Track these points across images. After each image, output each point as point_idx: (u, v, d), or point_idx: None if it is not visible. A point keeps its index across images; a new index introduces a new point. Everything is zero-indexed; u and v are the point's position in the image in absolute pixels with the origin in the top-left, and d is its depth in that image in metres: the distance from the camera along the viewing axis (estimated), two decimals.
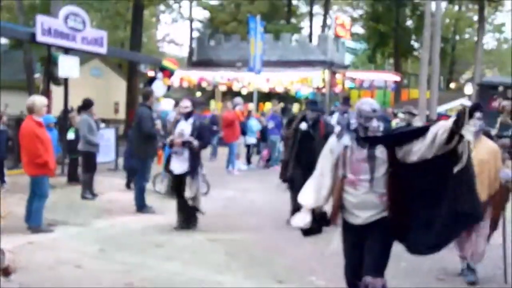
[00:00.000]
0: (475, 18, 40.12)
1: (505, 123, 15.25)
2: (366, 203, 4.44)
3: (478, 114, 5.27)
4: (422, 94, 26.12)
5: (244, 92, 27.43)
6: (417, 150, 4.21)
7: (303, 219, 4.66)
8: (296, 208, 7.42)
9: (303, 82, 27.20)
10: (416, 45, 42.04)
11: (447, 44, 44.10)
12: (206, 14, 44.79)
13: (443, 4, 34.82)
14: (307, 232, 4.79)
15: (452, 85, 49.78)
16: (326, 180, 4.64)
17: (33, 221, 8.09)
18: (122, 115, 28.29)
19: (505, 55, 49.81)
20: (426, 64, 26.89)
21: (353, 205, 4.49)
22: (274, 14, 39.40)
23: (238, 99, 17.49)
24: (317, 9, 45.99)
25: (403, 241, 4.57)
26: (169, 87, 19.27)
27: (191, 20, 43.09)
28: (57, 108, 16.60)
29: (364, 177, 4.43)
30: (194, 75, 29.16)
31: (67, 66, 15.20)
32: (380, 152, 4.40)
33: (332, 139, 4.70)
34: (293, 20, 43.28)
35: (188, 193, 8.37)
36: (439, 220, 4.30)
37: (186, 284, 5.99)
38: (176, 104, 15.84)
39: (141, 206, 9.77)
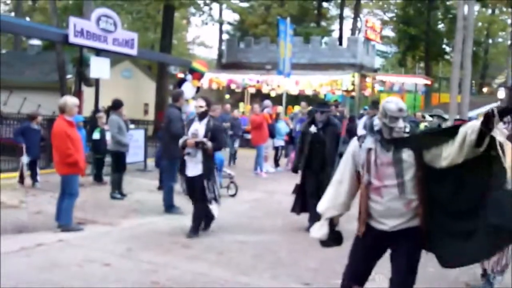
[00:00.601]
0: (509, 21, 39.54)
1: None
2: (392, 211, 4.13)
3: (508, 118, 5.11)
4: (453, 98, 25.79)
5: (273, 94, 27.46)
6: (447, 156, 3.88)
7: (320, 229, 4.47)
8: (313, 215, 7.45)
9: (333, 85, 27.13)
10: (447, 48, 41.69)
11: (480, 47, 43.61)
12: (236, 16, 45.00)
13: (476, 7, 34.37)
14: (325, 243, 4.58)
15: (485, 90, 49.12)
16: (343, 187, 4.37)
17: (63, 219, 8.20)
18: (151, 116, 28.54)
19: None
20: (457, 68, 26.56)
21: (379, 214, 4.19)
22: (304, 16, 39.42)
23: (267, 102, 17.51)
24: (347, 12, 45.87)
25: (435, 252, 4.24)
26: (198, 89, 19.36)
27: (221, 23, 43.26)
28: (88, 108, 16.84)
29: (390, 182, 4.10)
30: (223, 77, 29.33)
31: (98, 68, 15.43)
32: (407, 155, 4.07)
33: (354, 143, 4.40)
34: (323, 23, 43.19)
35: (209, 195, 8.16)
36: (477, 232, 3.87)
37: (211, 284, 6.01)
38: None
39: (169, 207, 9.84)
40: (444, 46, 41.91)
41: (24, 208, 9.56)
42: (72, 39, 14.69)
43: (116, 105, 11.68)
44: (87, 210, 9.56)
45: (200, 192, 8.14)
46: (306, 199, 8.76)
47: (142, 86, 29.57)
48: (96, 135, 12.80)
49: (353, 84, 27.55)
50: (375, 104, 13.51)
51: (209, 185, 8.15)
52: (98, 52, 16.15)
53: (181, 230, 8.44)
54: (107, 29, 15.55)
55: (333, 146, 8.93)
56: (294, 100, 27.55)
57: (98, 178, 12.91)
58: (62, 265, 6.43)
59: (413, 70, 46.93)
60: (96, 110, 15.71)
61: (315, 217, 7.15)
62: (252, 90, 29.64)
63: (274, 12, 37.43)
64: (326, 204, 4.45)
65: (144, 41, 35.55)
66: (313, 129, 8.77)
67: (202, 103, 8.26)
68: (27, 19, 32.96)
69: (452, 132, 3.92)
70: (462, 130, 3.81)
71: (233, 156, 17.43)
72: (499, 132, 3.70)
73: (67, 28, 15.04)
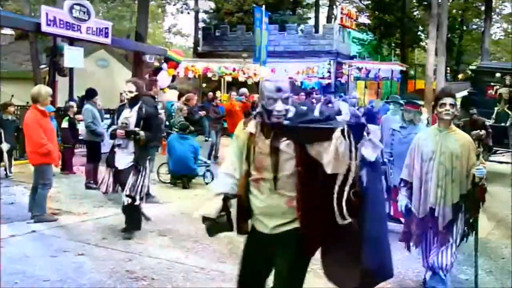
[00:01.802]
0: (482, 8, 39.84)
1: (503, 112, 14.71)
2: (272, 209, 3.50)
3: (450, 100, 5.08)
4: (428, 84, 26.07)
5: (249, 82, 27.43)
6: (328, 163, 3.23)
7: (210, 206, 3.67)
8: None
9: (309, 72, 27.19)
10: (422, 35, 41.88)
11: (454, 34, 43.91)
12: (211, 4, 44.71)
13: None
14: (213, 227, 3.72)
15: (460, 76, 49.56)
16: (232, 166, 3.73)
17: (36, 210, 8.13)
18: None
19: None
20: (432, 55, 26.83)
21: (259, 211, 3.58)
22: (279, 4, 39.26)
23: (243, 90, 17.49)
24: None
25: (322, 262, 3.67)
26: (174, 78, 19.31)
27: (197, 11, 42.98)
28: (63, 99, 16.65)
29: (267, 175, 3.48)
30: (199, 66, 29.16)
31: (72, 57, 15.27)
32: (286, 144, 3.41)
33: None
34: (299, 11, 43.14)
35: (127, 191, 7.23)
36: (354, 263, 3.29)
37: (187, 272, 6.02)
38: (181, 95, 15.89)
39: (145, 195, 9.78)
40: (419, 33, 42.13)
41: None
42: (45, 28, 14.50)
43: (90, 95, 11.58)
44: (61, 200, 9.50)
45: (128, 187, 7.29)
46: None
47: (118, 75, 29.22)
48: (64, 124, 12.65)
49: (329, 71, 27.64)
50: (325, 88, 13.18)
51: (137, 180, 7.29)
52: (72, 41, 15.97)
53: (157, 219, 8.42)
54: (80, 17, 15.38)
55: None
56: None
57: (66, 168, 12.74)
58: (36, 256, 6.39)
59: (389, 57, 47.14)
60: (70, 100, 15.54)
61: None
62: (228, 79, 29.54)
63: (249, 0, 37.31)
64: (217, 182, 3.98)
65: (120, 30, 35.19)
66: None
67: (131, 87, 7.36)
68: None
69: (331, 132, 3.22)
70: (334, 136, 3.17)
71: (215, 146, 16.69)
72: (365, 145, 3.16)
73: (40, 17, 14.84)
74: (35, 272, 5.83)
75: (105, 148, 12.18)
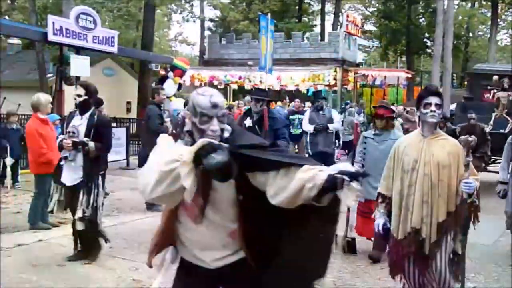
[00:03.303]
0: (488, 14, 39.81)
1: (501, 118, 13.48)
2: (210, 242, 3.00)
3: (435, 100, 4.26)
4: None
5: None
6: (275, 195, 2.81)
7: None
8: None
9: (315, 80, 27.18)
10: (428, 42, 41.85)
11: (460, 41, 43.89)
12: (217, 13, 44.88)
13: (456, 1, 34.64)
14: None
15: (466, 83, 49.48)
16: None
17: (30, 218, 8.18)
18: (134, 114, 28.41)
19: None
20: (438, 62, 26.78)
21: (194, 245, 3.05)
22: (285, 12, 39.41)
23: (248, 98, 17.48)
24: (329, 7, 45.92)
25: None
26: (180, 86, 19.31)
27: (203, 19, 43.11)
28: (70, 107, 16.69)
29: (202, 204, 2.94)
30: (205, 74, 29.25)
31: (78, 66, 15.34)
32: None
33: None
34: (305, 18, 43.22)
35: (80, 212, 6.36)
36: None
37: None
38: (186, 103, 15.90)
39: (151, 205, 9.79)
40: (425, 40, 42.10)
41: (4, 209, 9.47)
42: (51, 37, 14.60)
43: (96, 104, 11.55)
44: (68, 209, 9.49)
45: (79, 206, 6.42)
46: None
47: (124, 84, 29.42)
48: None
49: (335, 78, 27.62)
50: (317, 94, 12.34)
51: (89, 200, 6.41)
52: (78, 50, 16.05)
53: None
54: (86, 27, 15.48)
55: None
56: (277, 95, 27.57)
57: None
58: (43, 264, 6.39)
59: (395, 64, 47.18)
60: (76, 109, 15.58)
61: None
62: (234, 87, 29.62)
63: (255, 8, 37.41)
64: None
65: (126, 38, 35.33)
66: (247, 122, 7.41)
67: (81, 90, 6.45)
68: (6, 18, 32.64)
69: (283, 163, 2.83)
70: (300, 177, 2.73)
71: None
72: (348, 195, 2.70)
73: (46, 26, 14.94)
74: (42, 282, 5.83)
75: (111, 156, 12.25)
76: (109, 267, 6.43)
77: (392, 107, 9.38)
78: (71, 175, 6.43)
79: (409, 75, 33.58)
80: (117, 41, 16.94)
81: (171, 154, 2.70)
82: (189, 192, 2.66)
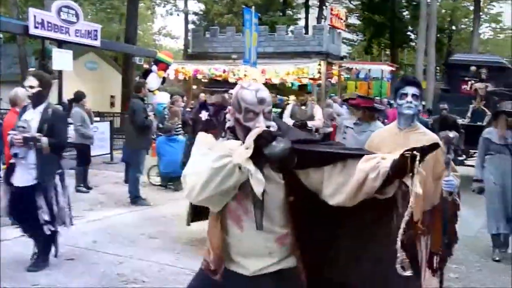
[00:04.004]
0: (471, 8, 40.04)
1: (479, 110, 12.97)
2: (255, 248, 2.74)
3: (412, 90, 3.98)
4: None
5: None
6: (334, 193, 2.60)
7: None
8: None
9: (299, 73, 27.18)
10: (412, 35, 42.04)
11: (443, 34, 44.08)
12: (201, 6, 44.69)
13: None
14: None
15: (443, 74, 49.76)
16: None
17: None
18: (118, 108, 28.26)
19: (502, 45, 49.83)
20: (421, 55, 26.95)
21: (236, 251, 2.79)
22: (269, 5, 39.31)
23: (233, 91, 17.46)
24: (313, 0, 45.87)
25: None
26: (164, 80, 19.23)
27: (186, 13, 42.93)
28: (53, 101, 16.57)
29: (249, 208, 2.66)
30: (189, 68, 29.12)
31: (60, 59, 15.20)
32: (271, 169, 2.57)
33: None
34: (289, 12, 43.17)
35: (43, 216, 5.78)
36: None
37: (178, 274, 5.99)
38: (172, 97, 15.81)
39: (135, 198, 9.77)
40: (408, 33, 42.29)
41: None
42: (33, 30, 14.45)
43: (78, 97, 11.52)
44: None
45: (32, 211, 5.78)
46: None
47: (108, 78, 29.27)
48: None
49: (319, 72, 27.63)
50: (302, 88, 12.11)
51: (46, 201, 5.81)
52: (60, 43, 15.91)
53: (148, 222, 8.41)
54: (68, 20, 15.35)
55: None
56: None
57: None
58: (26, 260, 6.32)
59: (379, 57, 47.29)
60: (60, 103, 15.47)
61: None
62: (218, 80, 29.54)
63: (239, 1, 37.25)
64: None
65: (109, 32, 35.09)
66: (203, 115, 6.92)
67: (33, 81, 5.86)
68: None
69: (340, 155, 2.63)
70: (362, 168, 2.51)
71: None
72: (416, 182, 2.37)
73: (28, 19, 14.78)
74: (25, 277, 5.78)
75: (94, 151, 12.18)
76: (92, 262, 6.39)
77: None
78: (23, 175, 5.82)
79: (393, 68, 33.67)
80: (100, 34, 16.81)
81: (219, 150, 2.53)
82: (260, 182, 2.41)
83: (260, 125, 2.57)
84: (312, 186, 2.68)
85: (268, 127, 2.59)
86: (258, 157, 2.40)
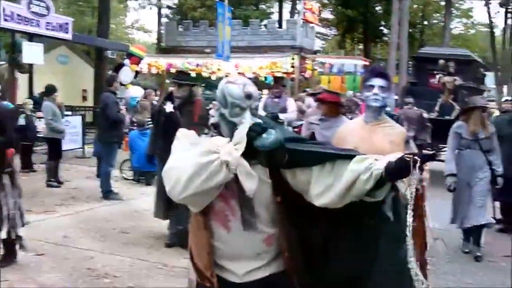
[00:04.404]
0: (443, 3, 40.48)
1: (447, 104, 12.68)
2: (242, 250, 2.58)
3: (379, 82, 3.71)
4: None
5: (213, 78, 27.35)
6: (321, 194, 2.47)
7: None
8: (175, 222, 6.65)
9: (272, 67, 27.20)
10: (385, 30, 42.36)
11: (415, 29, 44.50)
12: (174, 0, 44.47)
13: None
14: None
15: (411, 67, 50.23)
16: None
17: None
18: (90, 102, 27.97)
19: (472, 40, 50.55)
20: (394, 49, 27.16)
21: (222, 254, 2.62)
22: None
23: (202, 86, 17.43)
24: None
25: None
26: (137, 74, 19.12)
27: (160, 6, 42.66)
28: (24, 95, 16.37)
29: (236, 207, 2.54)
30: (162, 62, 28.97)
31: (31, 53, 15.02)
32: (259, 168, 2.47)
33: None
34: (262, 6, 43.18)
35: None
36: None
37: (149, 269, 5.97)
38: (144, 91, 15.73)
39: (107, 193, 9.70)
40: (381, 28, 42.61)
41: None
42: (2, 23, 14.26)
43: (49, 91, 11.38)
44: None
45: None
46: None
47: (80, 72, 28.86)
48: (21, 121, 12.46)
49: (293, 66, 27.70)
50: (276, 81, 11.91)
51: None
52: (31, 37, 15.70)
53: (119, 216, 8.36)
54: (39, 13, 15.17)
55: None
56: None
57: (26, 166, 12.49)
58: None
59: (352, 51, 47.56)
60: (30, 96, 15.29)
61: (177, 223, 6.59)
62: (192, 74, 29.40)
63: None
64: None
65: (81, 25, 34.70)
66: (168, 107, 6.72)
67: None
68: None
69: (329, 155, 2.52)
70: (353, 169, 2.39)
71: None
72: (409, 188, 2.30)
73: None
74: None
75: (66, 145, 12.07)
76: (63, 257, 6.33)
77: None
78: None
79: (366, 63, 33.86)
80: (71, 27, 16.64)
81: (206, 145, 2.39)
82: (253, 179, 2.35)
83: (246, 121, 2.45)
84: (298, 187, 2.57)
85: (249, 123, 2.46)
86: (248, 152, 2.32)
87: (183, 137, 2.64)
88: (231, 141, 2.38)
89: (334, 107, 6.58)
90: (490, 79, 45.10)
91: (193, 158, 2.35)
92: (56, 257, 6.31)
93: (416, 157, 2.24)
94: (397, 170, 2.27)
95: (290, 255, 2.62)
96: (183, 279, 5.69)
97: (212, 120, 2.80)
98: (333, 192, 2.44)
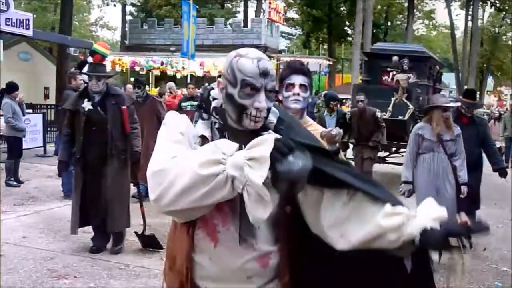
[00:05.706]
0: (406, 4, 41.02)
1: (400, 103, 11.89)
2: (229, 270, 2.05)
3: (300, 80, 3.22)
4: (355, 78, 26.61)
5: (178, 76, 27.23)
6: (329, 227, 2.05)
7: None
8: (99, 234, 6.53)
9: None
10: (349, 30, 42.72)
11: (379, 30, 45.00)
12: None
13: None
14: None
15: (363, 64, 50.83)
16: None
17: None
18: (52, 100, 27.53)
19: (434, 41, 51.40)
20: (358, 49, 27.40)
21: (202, 274, 2.08)
22: None
23: (171, 84, 17.30)
24: None
25: None
26: None
27: (124, 4, 42.22)
28: None
29: (230, 219, 2.02)
30: (126, 59, 28.73)
31: None
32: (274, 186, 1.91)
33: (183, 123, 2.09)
34: (227, 5, 43.12)
35: None
36: None
37: (111, 269, 5.90)
38: None
39: (68, 192, 9.54)
40: (346, 28, 42.96)
41: None
42: None
43: (10, 89, 11.16)
44: None
45: None
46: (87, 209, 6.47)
47: (42, 69, 28.41)
48: None
49: None
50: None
51: None
52: None
53: None
54: None
55: (117, 126, 6.37)
56: (200, 82, 27.46)
57: None
58: None
59: (317, 51, 47.86)
60: None
61: (100, 236, 6.51)
62: (156, 73, 29.23)
63: None
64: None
65: (43, 22, 34.15)
66: (86, 105, 6.17)
67: None
68: None
69: (349, 185, 2.02)
70: (380, 224, 1.98)
71: None
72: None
73: None
74: None
75: (27, 144, 11.85)
76: (22, 257, 6.20)
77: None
78: None
79: (331, 63, 34.22)
80: (32, 23, 16.34)
81: (208, 152, 1.84)
82: (266, 208, 1.79)
83: (260, 105, 1.96)
84: (304, 202, 2.09)
85: (268, 109, 2.02)
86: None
87: (171, 124, 2.08)
88: (240, 147, 1.87)
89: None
90: (451, 80, 45.99)
91: (190, 165, 1.83)
92: (15, 258, 6.18)
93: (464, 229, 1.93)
94: (435, 245, 1.93)
95: (291, 281, 2.14)
96: (145, 278, 5.66)
97: (214, 104, 2.11)
98: (346, 233, 2.02)
